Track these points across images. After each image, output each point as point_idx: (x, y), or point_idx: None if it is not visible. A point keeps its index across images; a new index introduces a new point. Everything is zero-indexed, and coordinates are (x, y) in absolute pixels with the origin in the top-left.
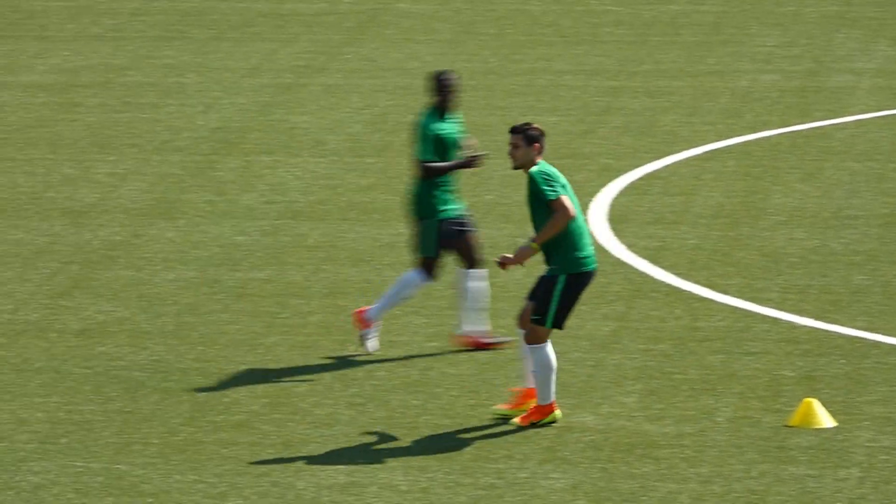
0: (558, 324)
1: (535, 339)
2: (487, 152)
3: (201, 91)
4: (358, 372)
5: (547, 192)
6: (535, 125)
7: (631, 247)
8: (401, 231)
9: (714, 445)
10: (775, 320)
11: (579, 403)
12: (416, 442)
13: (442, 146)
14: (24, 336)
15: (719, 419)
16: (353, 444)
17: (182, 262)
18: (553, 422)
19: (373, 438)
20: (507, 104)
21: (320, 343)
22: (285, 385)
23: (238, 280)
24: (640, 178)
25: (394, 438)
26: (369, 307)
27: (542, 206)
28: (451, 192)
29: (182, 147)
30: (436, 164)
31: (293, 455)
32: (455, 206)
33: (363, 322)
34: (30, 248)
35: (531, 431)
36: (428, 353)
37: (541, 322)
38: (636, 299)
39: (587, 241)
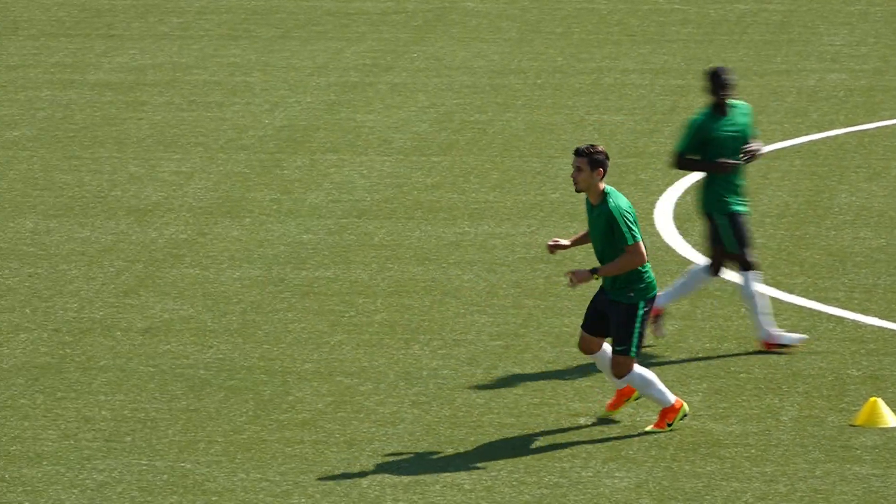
0: (639, 350)
1: (625, 370)
2: (742, 160)
3: (267, 90)
4: (422, 371)
5: (626, 235)
6: (601, 148)
7: (696, 246)
8: (466, 230)
9: (779, 444)
10: (841, 319)
11: (644, 402)
12: (481, 440)
13: (706, 143)
14: (89, 334)
15: (784, 418)
16: (417, 442)
17: (247, 260)
18: (686, 414)
19: (437, 437)
20: (573, 103)
21: (385, 342)
22: (350, 384)
23: (303, 278)
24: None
25: (458, 437)
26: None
27: (615, 239)
28: (737, 189)
29: (248, 145)
30: (686, 157)
31: (357, 454)
32: (740, 204)
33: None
34: (95, 246)
35: (596, 431)
36: (492, 351)
37: (626, 352)
38: (701, 298)
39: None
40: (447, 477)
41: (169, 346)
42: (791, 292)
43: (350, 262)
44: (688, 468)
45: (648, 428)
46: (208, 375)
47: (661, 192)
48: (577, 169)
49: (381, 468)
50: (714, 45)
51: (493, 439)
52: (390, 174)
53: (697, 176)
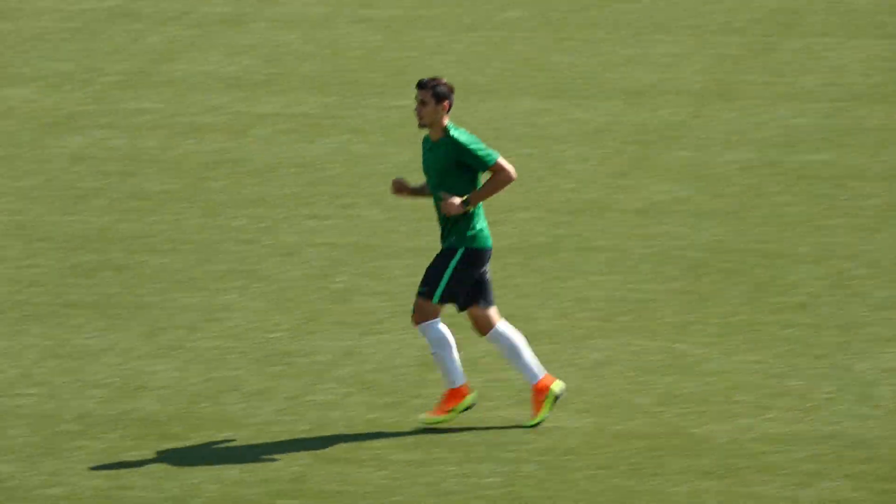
0: (446, 300)
1: (423, 316)
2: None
3: None
4: None
5: (485, 156)
6: (445, 80)
7: None
8: None
9: None
10: None
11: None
12: None
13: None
14: (584, 214)
15: None
16: None
17: (741, 143)
18: (469, 407)
19: None
20: None
21: (881, 227)
22: (845, 267)
23: (797, 162)
24: None
25: None
26: None
27: (459, 172)
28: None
29: (740, 28)
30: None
31: (852, 337)
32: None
33: None
34: (589, 126)
35: None
36: None
37: (429, 295)
38: None
39: (483, 214)
40: None
41: (664, 228)
42: None
43: (844, 146)
44: None
45: (425, 416)
46: (703, 257)
47: None
48: (421, 102)
49: (876, 352)
50: None
51: None
52: (885, 58)
53: None
